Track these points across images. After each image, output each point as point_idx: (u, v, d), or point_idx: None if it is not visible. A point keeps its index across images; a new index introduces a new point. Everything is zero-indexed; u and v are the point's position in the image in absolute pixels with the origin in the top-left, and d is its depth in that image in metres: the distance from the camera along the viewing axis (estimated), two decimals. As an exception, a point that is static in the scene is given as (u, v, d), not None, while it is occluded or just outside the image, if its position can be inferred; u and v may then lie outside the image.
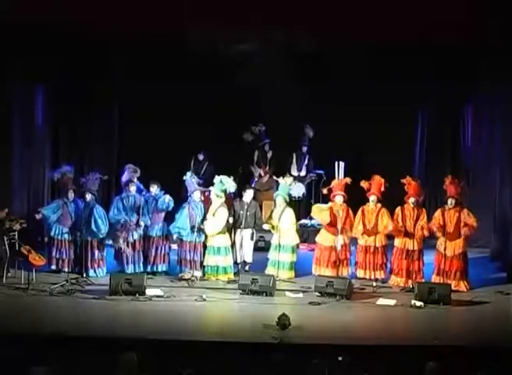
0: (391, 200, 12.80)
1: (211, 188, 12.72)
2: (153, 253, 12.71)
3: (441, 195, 12.99)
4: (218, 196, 12.51)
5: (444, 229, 12.11)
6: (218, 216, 12.44)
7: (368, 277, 12.47)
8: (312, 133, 15.32)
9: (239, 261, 12.66)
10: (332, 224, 12.64)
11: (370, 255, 12.51)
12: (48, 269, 12.46)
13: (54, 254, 12.55)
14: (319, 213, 12.85)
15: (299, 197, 14.97)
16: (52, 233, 12.62)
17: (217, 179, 12.56)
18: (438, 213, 12.33)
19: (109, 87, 14.70)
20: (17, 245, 12.01)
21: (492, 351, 9.30)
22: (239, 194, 13.12)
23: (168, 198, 12.69)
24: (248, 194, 12.84)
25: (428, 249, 12.64)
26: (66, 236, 12.57)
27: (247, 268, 12.79)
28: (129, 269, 12.50)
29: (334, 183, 12.91)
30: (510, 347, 9.40)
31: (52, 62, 13.66)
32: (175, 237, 12.63)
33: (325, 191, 13.11)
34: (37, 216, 12.62)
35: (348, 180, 12.77)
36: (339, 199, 12.72)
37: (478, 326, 10.56)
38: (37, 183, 14.29)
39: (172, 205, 12.72)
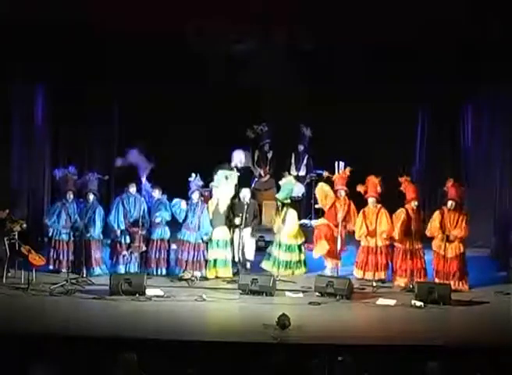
0: (392, 200, 12.79)
1: (212, 184, 12.76)
2: (154, 256, 12.72)
3: (441, 196, 12.97)
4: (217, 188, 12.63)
5: (443, 230, 12.11)
6: (225, 192, 12.62)
7: (370, 278, 12.44)
8: (309, 132, 15.30)
9: (237, 260, 12.68)
10: (333, 217, 12.71)
11: (372, 256, 12.51)
12: (48, 269, 12.48)
13: (51, 254, 12.58)
14: (323, 196, 12.86)
15: (299, 197, 14.96)
16: (50, 234, 12.65)
17: (220, 173, 12.61)
18: (437, 215, 12.30)
19: (109, 87, 14.68)
20: (17, 245, 12.02)
21: (492, 351, 9.30)
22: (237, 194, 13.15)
23: (179, 209, 12.69)
24: (246, 194, 12.87)
25: (427, 249, 12.65)
26: (64, 236, 12.60)
27: (248, 266, 12.81)
28: (122, 269, 12.51)
29: (335, 177, 12.93)
30: (510, 347, 9.40)
31: (52, 62, 13.66)
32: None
33: (325, 173, 13.13)
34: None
35: (348, 171, 12.77)
36: (341, 193, 12.75)
37: (478, 326, 10.56)
38: (37, 183, 14.29)
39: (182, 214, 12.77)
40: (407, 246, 12.37)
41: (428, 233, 12.32)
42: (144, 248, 12.63)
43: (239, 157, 14.69)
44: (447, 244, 12.10)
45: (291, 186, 13.27)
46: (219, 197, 12.65)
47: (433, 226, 12.24)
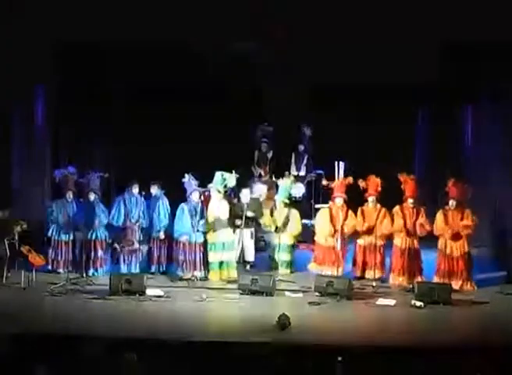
0: (393, 199, 12.79)
1: (210, 186, 12.74)
2: (155, 253, 12.76)
3: (441, 195, 12.96)
4: (219, 192, 12.57)
5: (449, 228, 12.12)
6: (222, 208, 12.53)
7: (368, 277, 12.46)
8: (310, 132, 15.30)
9: (237, 260, 12.68)
10: (332, 225, 12.71)
11: (369, 255, 12.54)
12: (46, 269, 12.49)
13: (50, 254, 12.59)
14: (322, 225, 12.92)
15: (299, 197, 14.96)
16: (49, 234, 12.66)
17: (217, 174, 12.60)
18: (439, 215, 12.31)
19: (109, 87, 14.68)
20: (17, 245, 12.02)
21: (492, 351, 9.29)
22: (237, 194, 13.15)
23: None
24: (245, 195, 12.87)
25: (430, 249, 12.65)
26: (63, 236, 12.62)
27: (248, 267, 12.83)
28: (124, 269, 12.56)
29: (335, 183, 12.94)
30: (510, 347, 9.39)
31: (53, 62, 13.66)
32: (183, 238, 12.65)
33: (324, 182, 13.16)
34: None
35: (350, 180, 12.79)
36: (338, 201, 12.76)
37: (478, 326, 10.56)
38: (37, 183, 14.28)
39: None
40: (403, 244, 12.39)
41: (436, 232, 12.34)
42: (144, 247, 12.65)
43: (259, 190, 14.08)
44: (452, 242, 12.11)
45: (289, 188, 13.25)
46: (218, 211, 12.60)
47: (439, 226, 12.25)
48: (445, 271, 12.11)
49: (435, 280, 12.17)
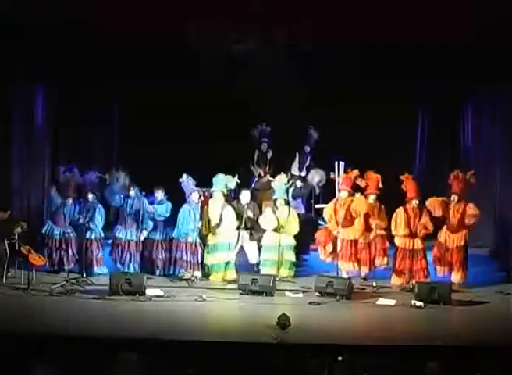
0: (393, 199, 12.79)
1: (212, 189, 12.69)
2: (156, 254, 12.76)
3: (441, 195, 12.96)
4: (222, 193, 12.55)
5: (446, 221, 12.15)
6: (229, 215, 12.47)
7: (365, 272, 12.51)
8: (316, 135, 15.26)
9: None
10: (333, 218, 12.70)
11: (367, 251, 12.56)
12: (48, 269, 12.49)
13: (49, 254, 12.60)
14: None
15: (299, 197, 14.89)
16: (44, 231, 12.68)
17: (218, 177, 12.57)
18: (439, 205, 12.30)
19: (109, 87, 14.68)
20: (17, 245, 12.03)
21: (492, 351, 9.30)
22: (237, 196, 13.15)
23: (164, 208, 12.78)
24: (245, 196, 12.85)
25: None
26: (57, 236, 12.62)
27: (255, 269, 12.78)
28: (121, 268, 12.57)
29: (342, 177, 12.90)
30: (510, 347, 9.40)
31: (52, 62, 13.66)
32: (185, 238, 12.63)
33: (331, 174, 13.17)
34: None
35: (356, 173, 12.72)
36: (342, 194, 12.70)
37: (478, 326, 10.55)
38: (37, 183, 14.29)
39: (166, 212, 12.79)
40: (407, 246, 12.38)
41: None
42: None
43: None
44: (450, 234, 12.13)
45: (284, 186, 13.20)
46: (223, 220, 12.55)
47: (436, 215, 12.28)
48: (440, 260, 12.15)
49: (435, 267, 12.23)
